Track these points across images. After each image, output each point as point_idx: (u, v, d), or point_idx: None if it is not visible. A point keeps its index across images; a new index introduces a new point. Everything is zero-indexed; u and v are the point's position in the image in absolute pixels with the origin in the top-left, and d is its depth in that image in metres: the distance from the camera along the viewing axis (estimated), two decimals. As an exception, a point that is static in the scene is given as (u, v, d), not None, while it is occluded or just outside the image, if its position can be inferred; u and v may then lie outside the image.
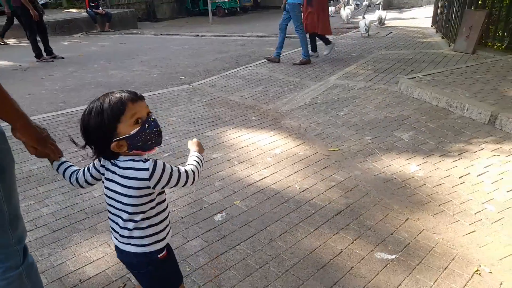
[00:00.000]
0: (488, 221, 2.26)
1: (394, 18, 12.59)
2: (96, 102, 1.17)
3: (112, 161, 1.23)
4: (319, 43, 7.09)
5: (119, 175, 1.22)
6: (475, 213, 2.33)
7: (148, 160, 1.21)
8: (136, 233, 1.26)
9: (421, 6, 18.03)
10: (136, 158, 1.22)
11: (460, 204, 2.43)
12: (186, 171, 1.27)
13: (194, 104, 4.62)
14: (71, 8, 15.36)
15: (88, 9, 12.26)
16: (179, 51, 8.72)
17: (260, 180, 2.83)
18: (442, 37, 8.24)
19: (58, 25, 12.08)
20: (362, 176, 2.83)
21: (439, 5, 9.17)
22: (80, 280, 1.91)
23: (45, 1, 10.25)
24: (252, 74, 5.91)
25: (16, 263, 1.29)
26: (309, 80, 5.45)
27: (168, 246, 1.36)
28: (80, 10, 14.49)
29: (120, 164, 1.21)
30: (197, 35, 11.37)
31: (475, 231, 2.18)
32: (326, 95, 4.70)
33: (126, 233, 1.26)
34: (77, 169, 1.39)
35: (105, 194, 1.27)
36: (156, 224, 1.28)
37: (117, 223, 1.28)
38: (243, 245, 2.13)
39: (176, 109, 4.46)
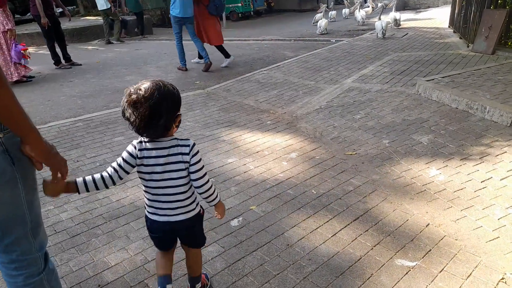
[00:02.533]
0: (513, 227, 2.19)
1: (410, 19, 12.43)
2: (162, 84, 1.40)
3: (156, 145, 1.46)
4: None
5: (165, 155, 1.46)
6: (498, 219, 2.26)
7: (189, 139, 1.51)
8: (187, 202, 1.54)
9: (438, 6, 17.77)
10: (178, 138, 1.50)
11: (483, 209, 2.36)
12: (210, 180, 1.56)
13: (209, 109, 4.64)
14: (88, 16, 15.69)
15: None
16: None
17: (276, 185, 2.81)
18: (460, 38, 8.08)
19: (76, 32, 12.35)
20: (380, 180, 2.78)
21: (457, 5, 9.00)
22: (99, 285, 1.93)
23: (61, 9, 10.48)
24: (267, 78, 5.90)
25: (38, 269, 1.30)
26: (324, 83, 5.41)
27: None
28: (97, 17, 14.78)
29: (166, 144, 1.47)
30: (212, 40, 11.43)
31: (499, 237, 2.11)
32: (342, 98, 4.65)
33: (178, 204, 1.52)
34: (102, 174, 1.50)
35: (151, 179, 1.48)
36: (193, 191, 1.58)
37: (167, 201, 1.51)
38: (260, 251, 2.12)
39: (191, 114, 4.49)
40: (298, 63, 6.83)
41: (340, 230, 2.26)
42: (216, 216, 1.66)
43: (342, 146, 3.39)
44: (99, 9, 11.03)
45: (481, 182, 2.64)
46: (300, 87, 5.29)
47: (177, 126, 1.48)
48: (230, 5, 17.06)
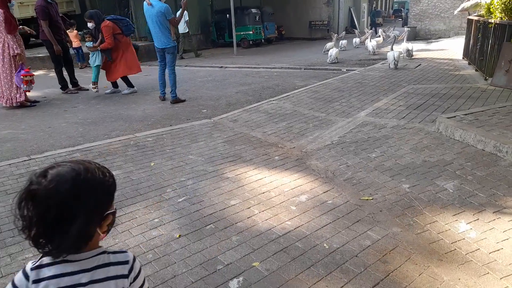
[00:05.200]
0: None
1: (421, 50, 12.28)
2: (83, 167, 0.93)
3: (69, 267, 0.93)
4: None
5: (87, 283, 0.93)
6: (548, 292, 1.90)
7: (126, 251, 1.04)
8: None
9: (449, 37, 17.69)
10: (109, 250, 1.00)
11: (527, 278, 2.00)
12: None
13: (214, 141, 4.39)
14: (101, 40, 15.88)
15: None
16: (203, 83, 8.66)
17: (283, 235, 2.49)
18: (476, 70, 7.84)
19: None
20: (402, 234, 2.45)
21: (472, 37, 8.81)
22: None
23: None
24: (276, 109, 5.67)
25: None
26: (336, 115, 5.14)
27: None
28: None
29: (88, 264, 0.95)
30: (221, 67, 11.38)
31: (552, 318, 1.75)
32: (355, 133, 4.37)
33: None
34: None
35: None
36: None
37: None
38: (263, 324, 1.78)
39: (195, 146, 4.23)
40: (308, 93, 6.61)
41: (358, 299, 1.92)
42: None
43: (357, 189, 3.07)
44: (180, 32, 13.44)
45: (521, 242, 2.29)
46: (310, 119, 5.03)
47: (107, 231, 1.00)
48: (242, 33, 17.20)
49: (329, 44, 12.11)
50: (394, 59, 8.52)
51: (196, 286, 2.05)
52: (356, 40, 14.85)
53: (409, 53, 10.34)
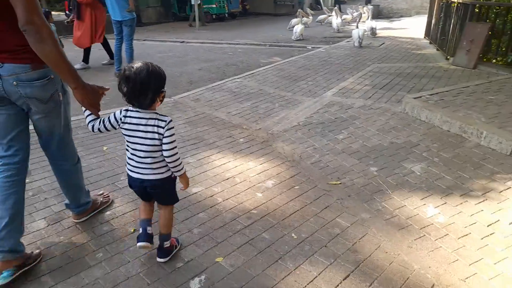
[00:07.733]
0: (534, 290, 1.81)
1: (384, 28, 12.35)
2: (151, 64, 1.69)
3: (139, 114, 1.74)
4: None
5: (143, 124, 1.73)
6: (515, 278, 1.88)
7: (167, 116, 1.76)
8: (155, 166, 1.81)
9: (410, 16, 17.96)
10: (159, 113, 1.76)
11: (495, 264, 1.98)
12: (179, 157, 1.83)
13: (175, 122, 4.07)
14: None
15: (67, 12, 11.61)
16: (163, 58, 8.20)
17: (248, 226, 2.33)
18: (437, 50, 7.96)
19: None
20: (371, 220, 2.37)
21: (434, 16, 8.90)
22: None
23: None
24: (240, 87, 5.43)
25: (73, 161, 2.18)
26: (302, 95, 5.00)
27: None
28: (59, 13, 13.83)
29: (147, 115, 1.74)
30: (183, 42, 10.87)
31: (520, 305, 1.73)
32: (322, 114, 4.24)
33: (146, 166, 1.80)
34: (95, 120, 1.85)
35: (128, 141, 1.79)
36: (163, 159, 1.81)
37: (138, 161, 1.80)
38: (227, 328, 1.63)
39: (153, 128, 3.93)
40: (274, 71, 6.40)
41: (328, 294, 1.81)
42: (181, 188, 1.93)
43: (325, 173, 2.96)
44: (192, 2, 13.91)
45: (487, 226, 2.27)
46: (276, 99, 4.85)
47: (161, 101, 1.77)
48: (204, 6, 16.49)
49: (294, 21, 11.86)
50: (359, 37, 8.46)
51: (153, 287, 1.85)
52: (321, 17, 14.69)
53: (373, 31, 10.34)
